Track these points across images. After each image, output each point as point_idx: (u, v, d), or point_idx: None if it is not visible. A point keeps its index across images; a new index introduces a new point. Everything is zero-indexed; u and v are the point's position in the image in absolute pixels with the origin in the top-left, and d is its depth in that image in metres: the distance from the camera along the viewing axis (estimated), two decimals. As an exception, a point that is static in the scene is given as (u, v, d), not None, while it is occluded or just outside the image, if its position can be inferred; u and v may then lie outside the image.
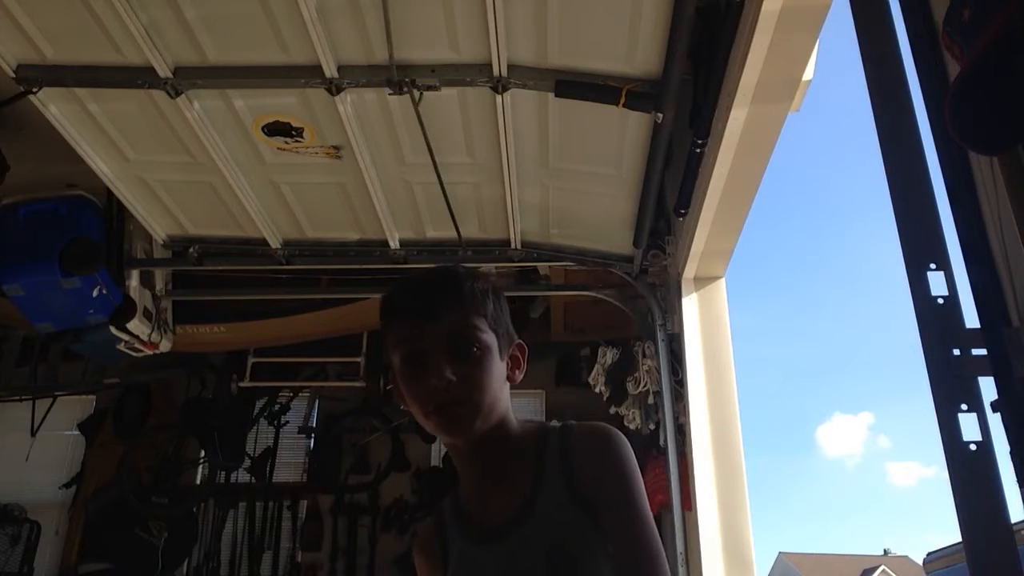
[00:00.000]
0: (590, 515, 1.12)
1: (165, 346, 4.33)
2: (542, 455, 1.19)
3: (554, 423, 1.26)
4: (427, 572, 1.29)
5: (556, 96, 2.69)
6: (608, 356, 4.02)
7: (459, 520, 1.25)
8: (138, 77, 2.73)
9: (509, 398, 1.23)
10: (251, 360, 5.34)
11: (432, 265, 3.94)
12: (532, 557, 1.12)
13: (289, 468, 6.03)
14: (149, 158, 3.27)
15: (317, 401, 6.08)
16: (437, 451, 5.81)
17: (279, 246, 3.77)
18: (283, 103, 2.90)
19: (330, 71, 2.66)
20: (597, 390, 4.01)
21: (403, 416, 5.81)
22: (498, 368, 1.20)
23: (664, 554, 1.11)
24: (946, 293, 1.25)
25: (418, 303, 1.21)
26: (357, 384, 5.49)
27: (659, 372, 3.54)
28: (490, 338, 1.19)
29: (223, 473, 5.82)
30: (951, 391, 1.18)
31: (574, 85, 2.65)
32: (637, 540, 1.10)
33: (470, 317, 1.19)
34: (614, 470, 1.14)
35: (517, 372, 1.26)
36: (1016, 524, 1.17)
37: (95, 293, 3.75)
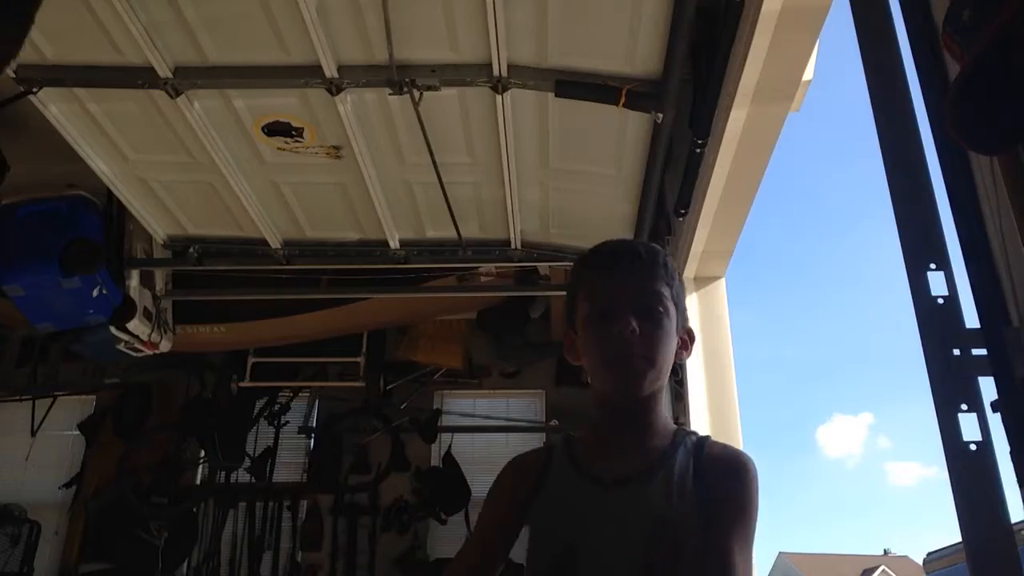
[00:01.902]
0: (702, 519, 1.17)
1: (165, 346, 4.33)
2: (676, 444, 1.26)
3: (694, 434, 1.33)
4: (510, 490, 1.33)
5: (556, 96, 2.69)
6: (608, 356, 4.01)
7: (573, 460, 1.30)
8: (138, 77, 2.73)
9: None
10: (251, 360, 5.33)
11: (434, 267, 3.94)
12: (642, 516, 1.18)
13: (289, 468, 6.03)
14: (149, 158, 3.27)
15: (317, 401, 6.08)
16: (437, 451, 5.81)
17: (279, 246, 3.77)
18: (283, 103, 2.90)
19: (330, 71, 2.66)
20: (597, 390, 4.00)
21: (403, 416, 5.81)
22: (673, 338, 1.29)
23: None
24: (946, 293, 1.25)
25: (616, 260, 1.30)
26: (357, 384, 5.49)
27: (659, 372, 3.53)
28: (673, 310, 1.28)
29: (223, 473, 5.81)
30: (951, 391, 1.18)
31: (574, 85, 2.65)
32: (729, 569, 1.14)
33: (659, 283, 1.28)
34: (742, 497, 1.20)
35: (684, 353, 1.34)
36: (1016, 524, 1.17)
37: (95, 293, 3.74)
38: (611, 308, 1.24)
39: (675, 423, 1.36)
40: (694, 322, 3.37)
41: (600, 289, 1.28)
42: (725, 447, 1.29)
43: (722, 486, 1.20)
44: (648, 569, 1.15)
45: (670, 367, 1.29)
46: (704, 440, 1.28)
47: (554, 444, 1.38)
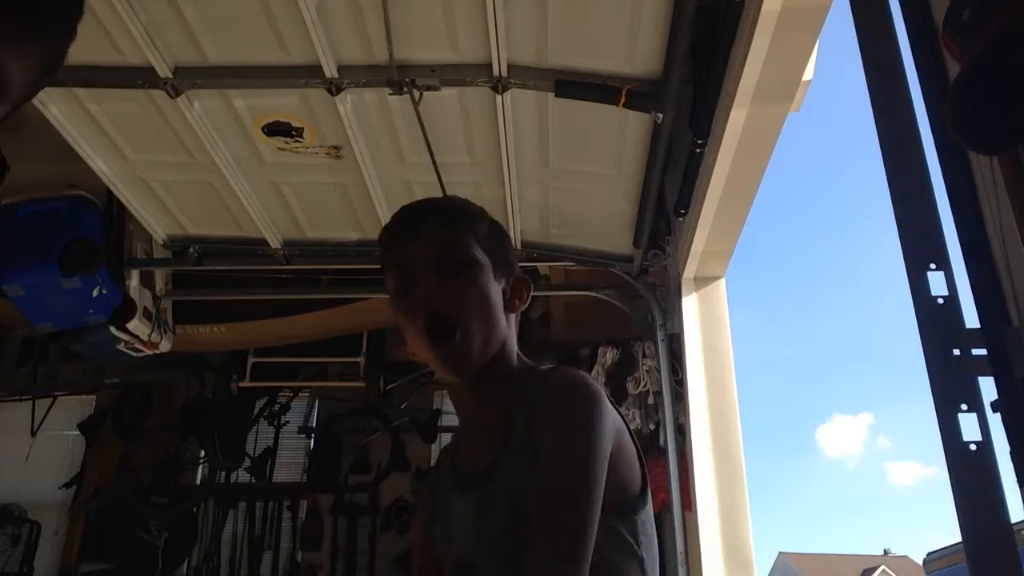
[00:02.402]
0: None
1: (165, 346, 4.33)
2: (518, 403, 1.11)
3: (544, 367, 1.18)
4: (419, 520, 1.27)
5: (556, 96, 2.69)
6: (608, 356, 4.02)
7: (452, 463, 1.21)
8: (138, 77, 2.73)
9: (509, 331, 1.18)
10: (251, 360, 5.33)
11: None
12: (495, 510, 1.07)
13: (289, 468, 6.03)
14: (149, 158, 3.26)
15: (317, 401, 6.08)
16: (437, 451, 5.81)
17: (279, 246, 3.77)
18: (283, 103, 2.90)
19: (330, 71, 2.66)
20: (597, 390, 4.00)
21: (403, 416, 5.81)
22: (492, 289, 1.15)
23: (588, 516, 0.96)
24: (946, 293, 1.25)
25: (406, 222, 1.19)
26: (357, 384, 5.49)
27: (659, 372, 3.54)
28: (481, 256, 1.15)
29: (223, 473, 5.82)
30: (951, 391, 1.18)
31: (574, 85, 2.65)
32: (554, 489, 0.98)
33: (458, 233, 1.15)
34: (558, 418, 1.04)
35: (517, 302, 1.20)
36: (1016, 524, 1.17)
37: (95, 293, 3.74)
38: (410, 275, 1.13)
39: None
40: (694, 322, 3.38)
41: (397, 259, 1.16)
42: (555, 375, 1.11)
43: (545, 420, 1.04)
44: (515, 565, 0.99)
45: (498, 319, 1.14)
46: (544, 378, 1.11)
47: (444, 453, 1.29)
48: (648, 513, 1.11)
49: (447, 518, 1.17)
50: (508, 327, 1.19)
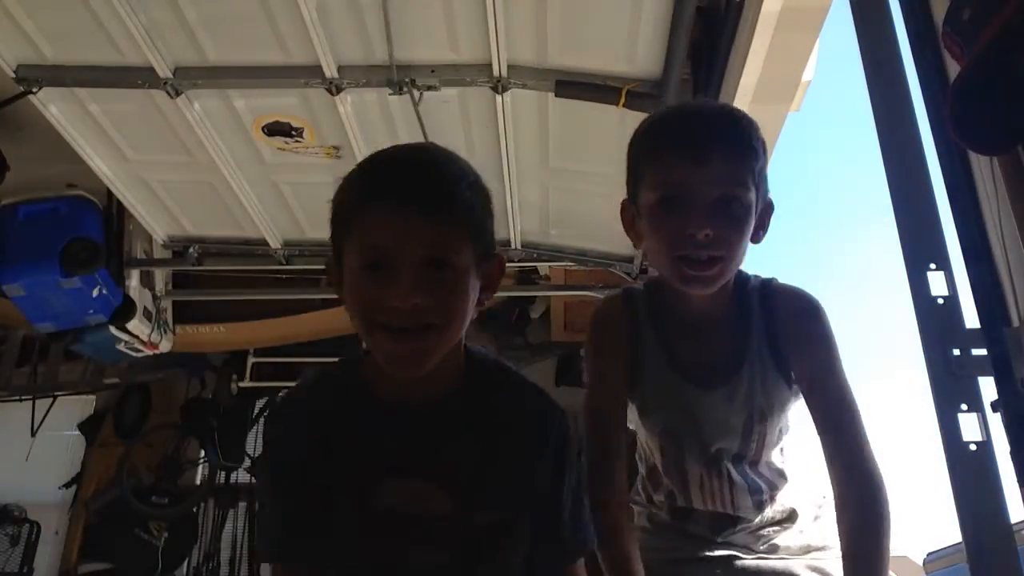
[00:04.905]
0: (789, 381, 1.22)
1: (165, 346, 4.32)
2: (748, 314, 1.23)
3: (755, 279, 1.27)
4: (613, 344, 1.29)
5: (556, 96, 2.69)
6: (608, 356, 4.01)
7: (660, 338, 1.26)
8: (138, 77, 2.73)
9: None
10: (251, 360, 5.33)
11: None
12: (735, 412, 1.22)
13: (289, 468, 6.02)
14: (149, 158, 3.26)
15: (317, 401, 6.07)
16: (437, 451, 5.81)
17: (279, 246, 3.77)
18: (283, 103, 2.90)
19: (330, 71, 2.66)
20: (597, 390, 3.99)
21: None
22: (750, 227, 1.15)
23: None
24: (946, 293, 1.25)
25: (694, 142, 1.12)
26: (357, 384, 5.47)
27: (659, 372, 3.53)
28: (753, 196, 1.12)
29: (223, 473, 5.81)
30: (951, 391, 1.18)
31: (574, 85, 2.65)
32: (841, 398, 1.17)
33: (742, 173, 1.11)
34: (819, 342, 1.21)
35: (761, 232, 1.20)
36: (1016, 524, 1.17)
37: (95, 293, 3.74)
38: (683, 203, 1.10)
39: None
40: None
41: (671, 177, 1.11)
42: (788, 297, 1.24)
43: (804, 337, 1.21)
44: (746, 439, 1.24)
45: (745, 253, 1.18)
46: (770, 294, 1.24)
47: (636, 298, 1.30)
48: None
49: (659, 395, 1.26)
50: None
